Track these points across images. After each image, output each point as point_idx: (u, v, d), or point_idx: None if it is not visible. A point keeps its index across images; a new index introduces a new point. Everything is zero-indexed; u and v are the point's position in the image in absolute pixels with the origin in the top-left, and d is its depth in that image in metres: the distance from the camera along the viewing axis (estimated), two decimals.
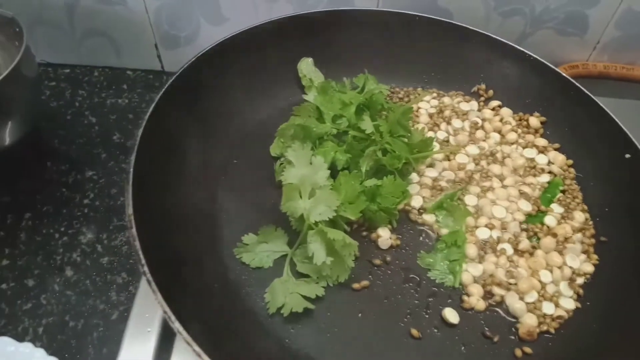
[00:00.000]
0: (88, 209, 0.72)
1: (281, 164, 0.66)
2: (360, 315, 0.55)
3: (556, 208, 0.63)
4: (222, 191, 0.62)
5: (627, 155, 0.62)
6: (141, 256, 0.44)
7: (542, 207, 0.63)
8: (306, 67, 0.73)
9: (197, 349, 0.40)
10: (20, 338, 0.57)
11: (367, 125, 0.60)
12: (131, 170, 0.50)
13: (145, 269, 0.43)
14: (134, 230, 0.45)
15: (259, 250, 0.57)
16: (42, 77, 0.90)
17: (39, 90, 0.87)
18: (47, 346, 0.56)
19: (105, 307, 0.63)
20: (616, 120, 0.64)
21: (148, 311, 0.55)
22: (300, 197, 0.55)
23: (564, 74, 0.69)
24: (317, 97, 0.66)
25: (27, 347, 0.55)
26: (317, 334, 0.53)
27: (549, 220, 0.62)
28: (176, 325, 0.41)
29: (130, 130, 0.83)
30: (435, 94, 0.77)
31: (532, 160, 0.68)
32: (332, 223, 0.55)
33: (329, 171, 0.56)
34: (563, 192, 0.65)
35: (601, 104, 0.66)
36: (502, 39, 0.74)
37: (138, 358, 0.52)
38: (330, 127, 0.64)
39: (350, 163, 0.62)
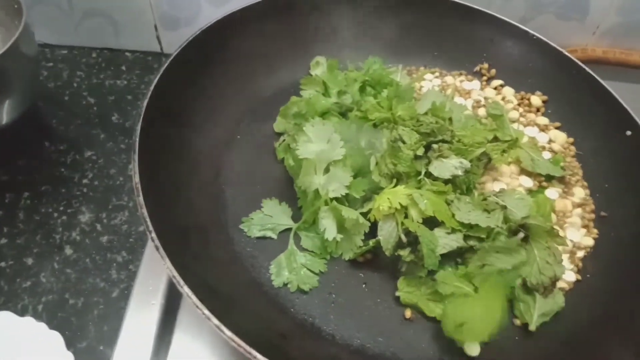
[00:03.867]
0: (87, 189, 0.72)
1: (283, 141, 0.66)
2: (364, 286, 0.55)
3: (557, 184, 0.64)
4: (225, 165, 0.62)
5: (628, 132, 0.62)
6: (148, 222, 0.44)
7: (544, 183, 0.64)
8: (320, 67, 0.72)
9: (207, 312, 0.40)
10: (20, 315, 0.56)
11: (368, 105, 0.60)
12: (137, 139, 0.49)
13: (153, 234, 0.43)
14: (141, 198, 0.45)
15: (264, 222, 0.57)
16: (40, 58, 0.89)
17: (38, 69, 0.86)
18: (48, 323, 0.56)
19: (105, 285, 0.62)
20: (618, 98, 0.64)
21: (152, 284, 0.55)
22: (315, 172, 0.55)
23: (566, 53, 0.70)
24: (324, 73, 0.66)
25: (28, 321, 0.55)
26: (322, 303, 0.54)
27: (551, 194, 0.63)
28: (185, 290, 0.40)
29: (129, 111, 0.83)
30: (438, 73, 0.77)
31: (534, 138, 0.69)
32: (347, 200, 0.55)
33: (344, 149, 0.56)
34: (563, 169, 0.65)
35: (603, 83, 0.66)
36: (506, 19, 0.74)
37: (142, 330, 0.52)
38: (335, 102, 0.64)
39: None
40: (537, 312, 0.52)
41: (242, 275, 0.53)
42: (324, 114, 0.60)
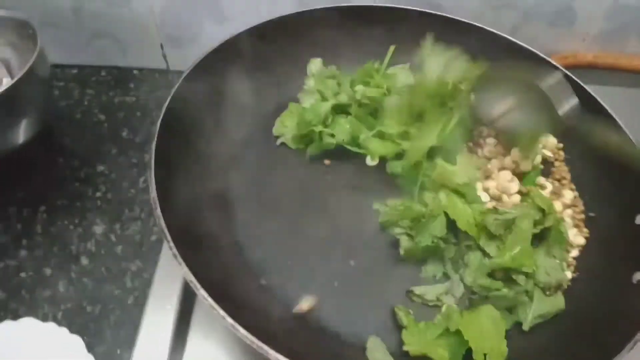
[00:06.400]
0: (100, 202, 0.75)
1: None
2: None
3: (548, 187, 0.67)
4: (234, 177, 0.66)
5: None
6: (166, 232, 0.47)
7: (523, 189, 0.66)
8: (315, 67, 0.76)
9: (222, 312, 0.43)
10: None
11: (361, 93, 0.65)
12: (153, 156, 0.53)
13: (171, 244, 0.46)
14: (158, 210, 0.48)
15: None
16: (52, 77, 0.93)
17: (51, 90, 0.90)
18: (68, 329, 0.59)
19: (120, 293, 0.66)
20: (604, 105, 0.67)
21: (166, 289, 0.58)
22: None
23: (555, 63, 0.73)
24: (315, 83, 0.71)
25: (50, 326, 0.58)
26: (331, 307, 0.57)
27: None
28: (201, 292, 0.44)
29: (139, 126, 0.86)
30: None
31: None
32: None
33: None
34: (553, 172, 0.69)
35: (590, 91, 0.69)
36: (495, 31, 0.77)
37: (158, 332, 0.56)
38: (332, 102, 0.68)
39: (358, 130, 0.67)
40: (533, 313, 0.55)
41: (252, 281, 0.56)
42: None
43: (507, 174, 0.66)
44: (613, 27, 0.91)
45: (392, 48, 0.77)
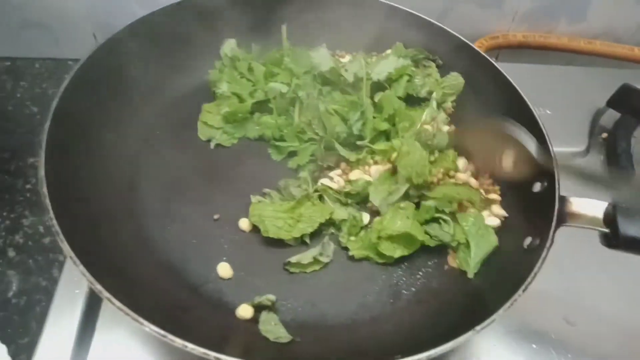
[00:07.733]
0: (30, 194, 0.75)
1: None
2: None
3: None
4: (143, 160, 0.66)
5: None
6: (50, 210, 0.47)
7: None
8: (229, 48, 0.76)
9: (98, 287, 0.43)
10: None
11: (277, 87, 0.66)
12: (45, 135, 0.53)
13: (54, 221, 0.46)
14: (44, 189, 0.48)
15: None
16: None
17: None
18: None
19: (47, 284, 0.65)
20: (514, 85, 0.69)
21: (77, 274, 0.58)
22: None
23: (463, 39, 0.74)
24: (229, 85, 0.71)
25: None
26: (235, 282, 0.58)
27: None
28: (80, 268, 0.44)
29: None
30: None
31: None
32: None
33: None
34: None
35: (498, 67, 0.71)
36: (422, 15, 0.78)
37: (67, 316, 0.56)
38: (251, 102, 0.69)
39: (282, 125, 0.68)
40: (474, 258, 0.56)
41: (150, 258, 0.57)
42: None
43: None
44: (541, 6, 0.92)
45: (284, 28, 0.75)
